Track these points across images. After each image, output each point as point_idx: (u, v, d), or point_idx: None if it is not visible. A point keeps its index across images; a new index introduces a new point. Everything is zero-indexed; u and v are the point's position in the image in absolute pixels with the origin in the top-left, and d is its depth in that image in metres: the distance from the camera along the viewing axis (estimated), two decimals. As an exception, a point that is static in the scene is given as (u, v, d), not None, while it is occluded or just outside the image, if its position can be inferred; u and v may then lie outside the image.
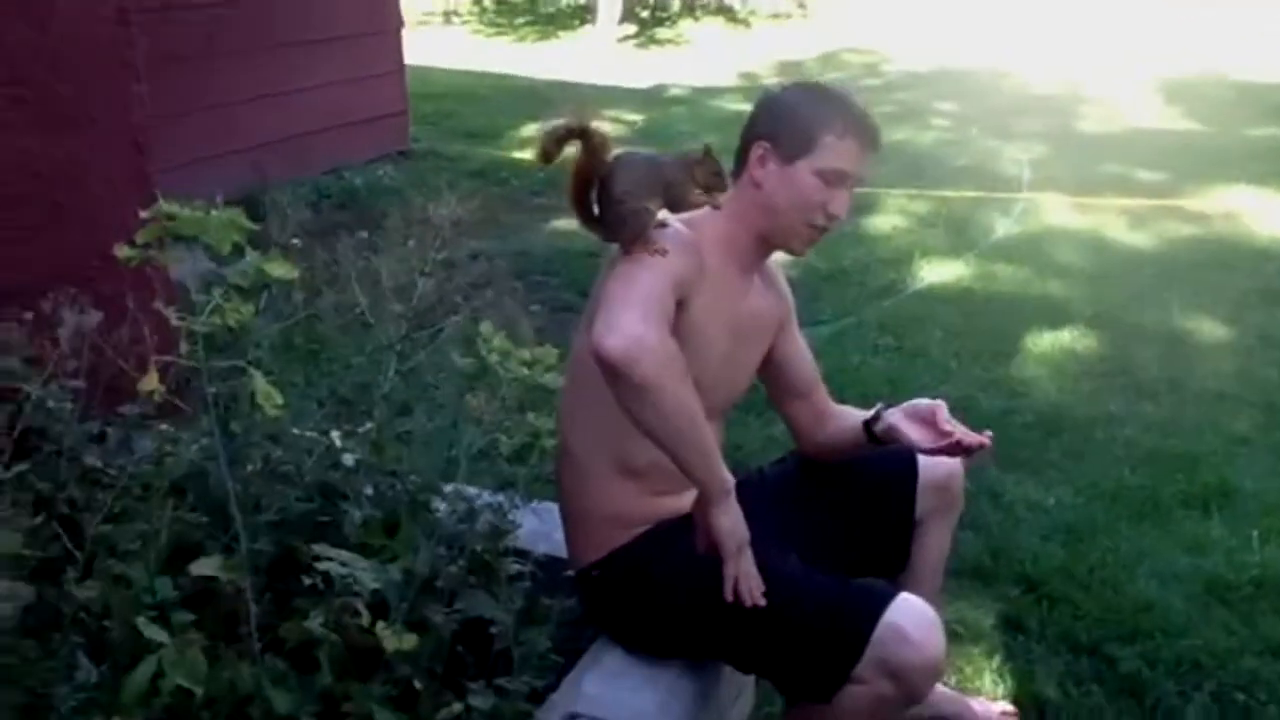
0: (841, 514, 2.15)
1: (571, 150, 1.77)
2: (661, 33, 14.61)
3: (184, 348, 1.44)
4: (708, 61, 12.34)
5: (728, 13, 15.32)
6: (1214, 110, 8.89)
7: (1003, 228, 5.84)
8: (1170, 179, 6.82)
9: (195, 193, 1.57)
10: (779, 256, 2.05)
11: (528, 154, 1.87)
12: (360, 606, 1.62)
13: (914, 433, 2.01)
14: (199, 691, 1.49)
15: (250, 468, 2.08)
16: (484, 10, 16.27)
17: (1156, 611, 2.65)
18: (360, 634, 1.67)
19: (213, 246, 1.49)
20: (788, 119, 1.89)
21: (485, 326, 1.72)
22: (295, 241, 2.36)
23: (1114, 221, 6.04)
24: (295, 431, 2.15)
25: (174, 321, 1.43)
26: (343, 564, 1.62)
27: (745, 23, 15.00)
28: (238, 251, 1.60)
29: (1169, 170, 7.01)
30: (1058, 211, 6.17)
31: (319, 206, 6.05)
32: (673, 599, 1.89)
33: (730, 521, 1.72)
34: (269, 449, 2.13)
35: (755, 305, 1.99)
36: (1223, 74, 10.33)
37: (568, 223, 5.54)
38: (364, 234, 2.47)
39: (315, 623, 1.65)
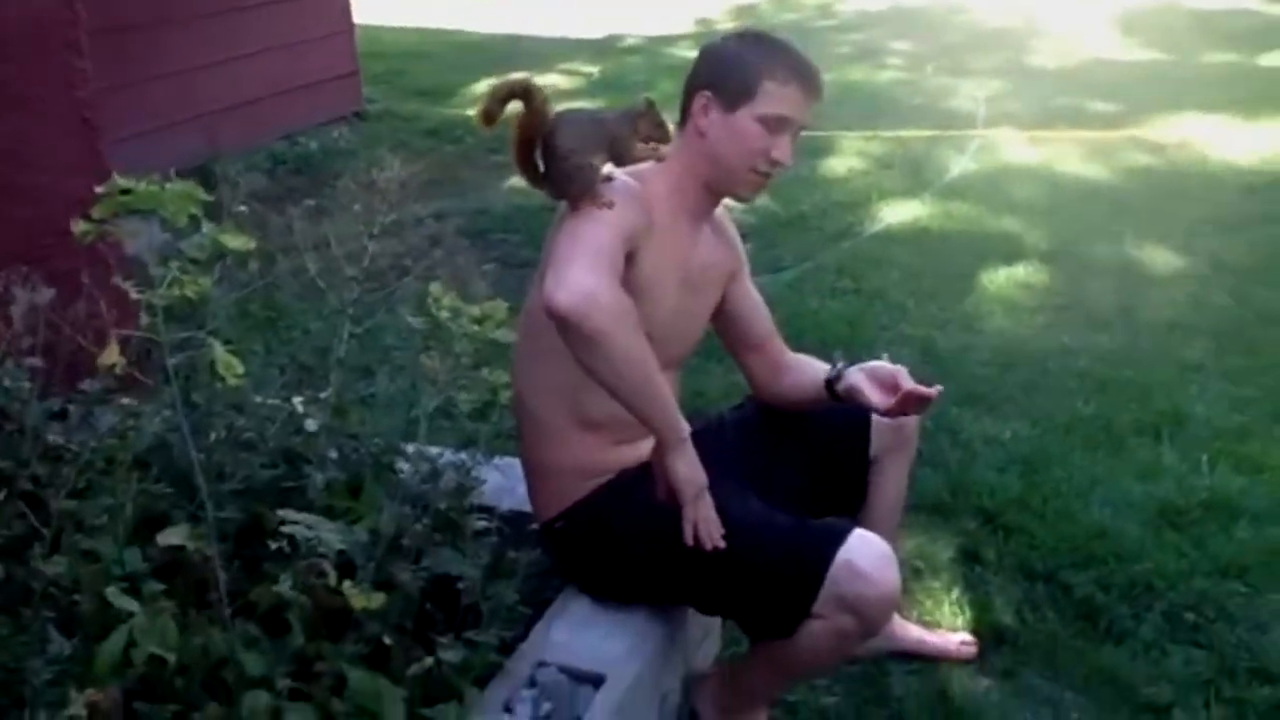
0: (799, 455, 2.20)
1: (515, 110, 1.79)
2: (615, -19, 14.41)
3: (144, 321, 1.45)
4: (661, 8, 12.23)
5: (681, -42, 15.13)
6: (1170, 38, 8.92)
7: (959, 166, 5.87)
8: (1125, 109, 6.86)
9: (148, 164, 1.57)
10: (732, 204, 2.08)
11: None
12: (327, 567, 1.65)
13: (875, 395, 2.04)
14: (171, 659, 1.52)
15: (214, 436, 2.10)
16: (433, -36, 15.97)
17: (1109, 538, 2.72)
18: (329, 594, 1.70)
19: (168, 219, 1.50)
20: (729, 68, 1.91)
21: (434, 286, 1.74)
22: (242, 209, 2.36)
23: (1069, 155, 6.08)
24: (257, 400, 2.17)
25: (133, 295, 1.44)
26: (308, 527, 1.65)
27: (699, -32, 14.83)
28: (194, 223, 1.61)
29: (1124, 101, 7.05)
30: (1013, 147, 6.21)
31: (275, 173, 6.00)
32: (635, 547, 1.93)
33: (687, 468, 1.76)
34: (232, 418, 2.15)
35: (705, 255, 2.02)
36: (1175, 1, 10.36)
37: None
38: (312, 201, 2.48)
39: (284, 586, 1.68)
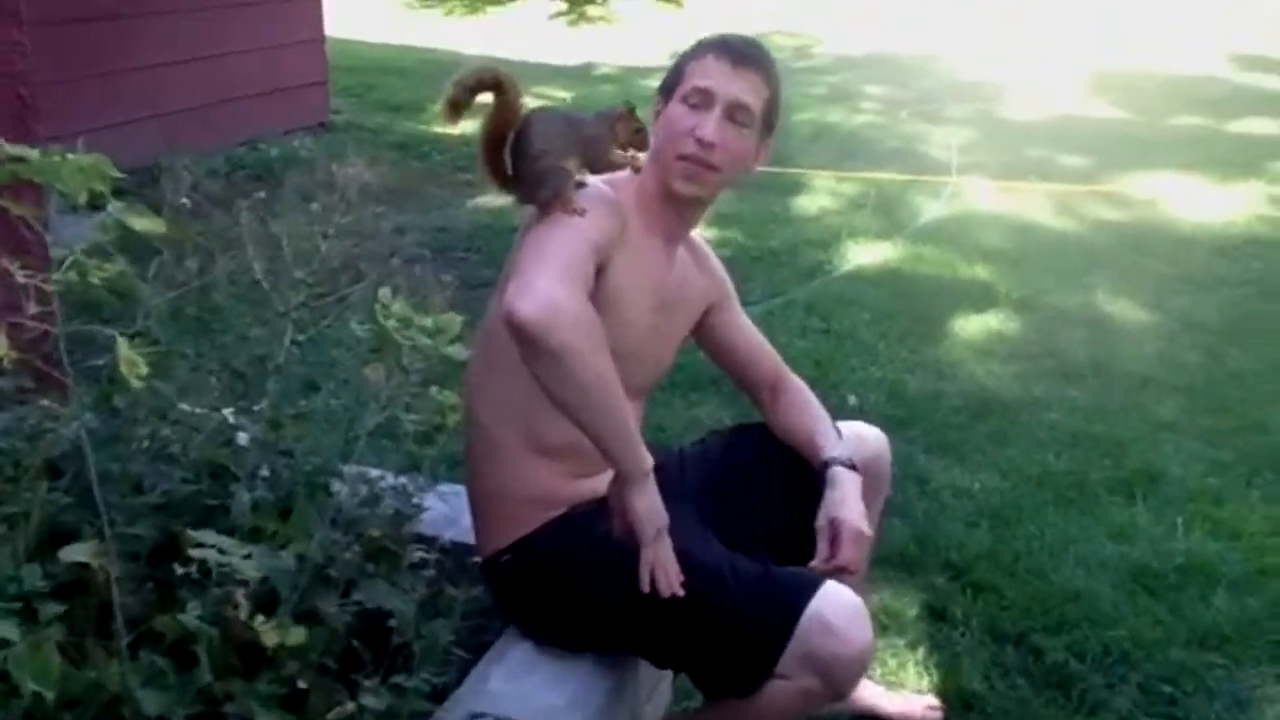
0: (764, 496, 2.05)
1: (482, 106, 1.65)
2: (592, 10, 14.40)
3: (33, 309, 1.29)
4: (639, 40, 12.19)
5: (660, -9, 15.17)
6: (1139, 100, 8.97)
7: (931, 211, 5.80)
8: (1095, 165, 6.85)
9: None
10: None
11: (452, 128, 1.71)
12: (241, 598, 1.48)
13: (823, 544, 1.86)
14: (49, 695, 1.34)
15: (135, 445, 1.93)
16: (411, -17, 15.91)
17: (1083, 600, 2.59)
18: (244, 627, 1.53)
19: (66, 195, 1.34)
20: (670, 68, 1.84)
21: (383, 292, 1.58)
22: (185, 202, 2.20)
23: (1040, 206, 6.03)
24: (184, 407, 2.01)
25: (19, 279, 1.27)
26: (222, 551, 1.48)
27: (677, 2, 14.85)
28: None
29: (1094, 157, 7.04)
30: (985, 195, 6.15)
31: (231, 177, 5.82)
32: (586, 588, 1.77)
33: (648, 505, 1.61)
34: (156, 426, 1.99)
35: (681, 277, 1.88)
36: (1146, 65, 10.45)
37: (490, 199, 5.41)
38: (262, 194, 2.31)
39: (192, 615, 1.51)
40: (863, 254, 5.09)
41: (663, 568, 1.63)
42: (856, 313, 4.36)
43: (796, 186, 5.99)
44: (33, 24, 2.53)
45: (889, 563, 2.69)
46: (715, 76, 1.75)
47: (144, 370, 1.34)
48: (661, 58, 10.71)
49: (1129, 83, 9.66)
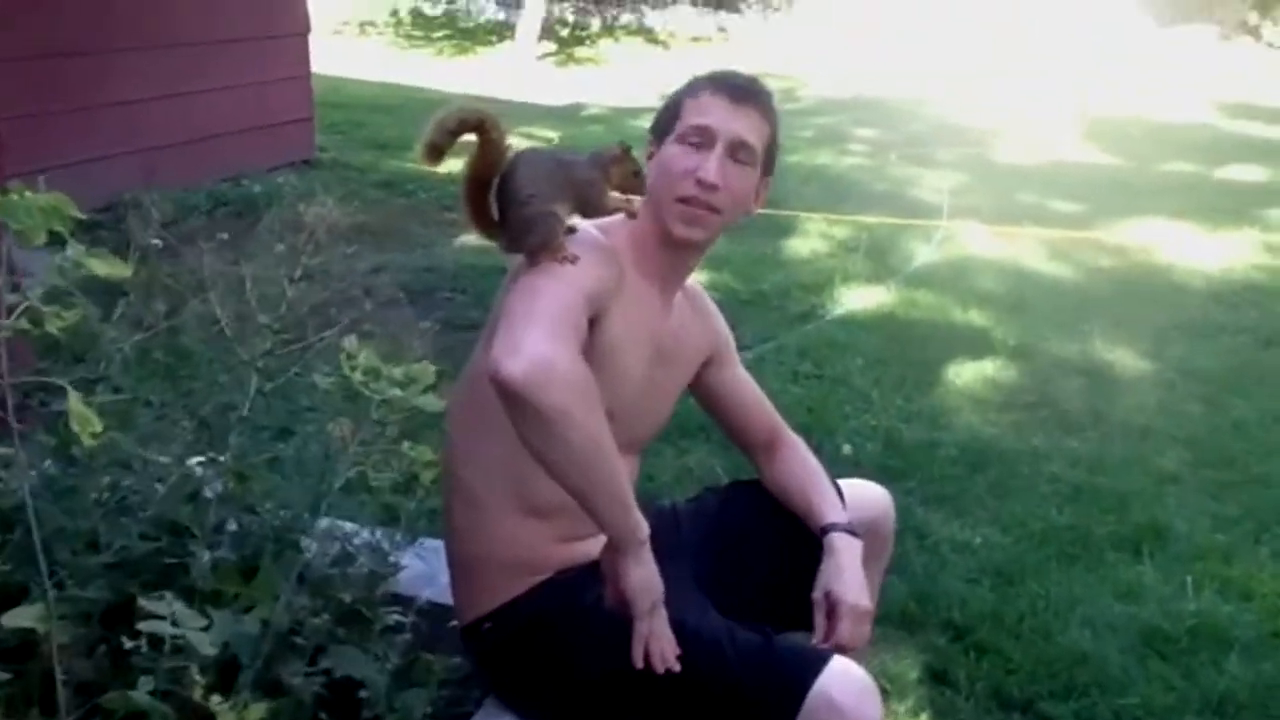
0: (762, 558, 1.93)
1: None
2: (581, 52, 14.45)
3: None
4: (627, 81, 12.20)
5: (647, 33, 15.24)
6: (1129, 146, 8.97)
7: (923, 255, 5.73)
8: (1088, 211, 6.81)
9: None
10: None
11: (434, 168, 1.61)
12: (195, 674, 1.36)
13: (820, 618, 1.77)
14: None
15: (94, 496, 1.82)
16: (400, 23, 15.93)
17: (1092, 664, 2.48)
18: (199, 706, 1.40)
19: (23, 237, 1.23)
20: (662, 107, 1.74)
21: (348, 341, 1.46)
22: (156, 242, 2.09)
23: (1033, 251, 5.97)
24: (147, 456, 1.89)
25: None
26: (175, 624, 1.35)
27: (664, 44, 14.92)
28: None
29: (1086, 203, 7.01)
30: (978, 240, 6.09)
31: (213, 214, 5.71)
32: (573, 659, 1.65)
33: (643, 575, 1.49)
34: (118, 475, 1.87)
35: (677, 326, 1.77)
36: (1133, 111, 10.48)
37: (478, 238, 5.29)
38: (225, 235, 2.20)
39: (143, 691, 1.39)
40: (855, 298, 5.00)
41: (658, 641, 1.51)
42: (850, 358, 4.26)
43: (787, 229, 5.91)
44: (8, 60, 2.44)
45: (888, 621, 2.57)
46: (715, 114, 1.65)
47: (97, 427, 1.23)
48: (650, 98, 10.69)
49: (1117, 128, 9.67)
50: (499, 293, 1.66)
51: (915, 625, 2.64)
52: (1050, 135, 9.29)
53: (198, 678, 1.36)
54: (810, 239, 5.93)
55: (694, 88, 1.70)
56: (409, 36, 15.25)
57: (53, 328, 1.30)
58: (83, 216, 1.23)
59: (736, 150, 1.65)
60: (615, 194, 1.57)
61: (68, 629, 1.57)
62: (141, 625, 1.35)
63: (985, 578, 2.83)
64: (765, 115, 1.69)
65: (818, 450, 2.02)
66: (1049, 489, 3.35)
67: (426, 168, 1.54)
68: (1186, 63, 12.94)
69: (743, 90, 1.68)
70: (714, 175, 1.63)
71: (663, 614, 1.52)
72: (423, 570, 2.01)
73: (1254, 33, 14.54)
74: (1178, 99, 11.10)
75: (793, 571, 1.91)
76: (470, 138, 1.54)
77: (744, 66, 1.85)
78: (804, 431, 2.04)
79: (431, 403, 1.48)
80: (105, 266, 1.24)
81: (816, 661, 1.56)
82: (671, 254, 1.71)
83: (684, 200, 1.64)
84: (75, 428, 1.21)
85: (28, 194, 1.24)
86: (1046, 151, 8.72)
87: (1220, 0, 14.81)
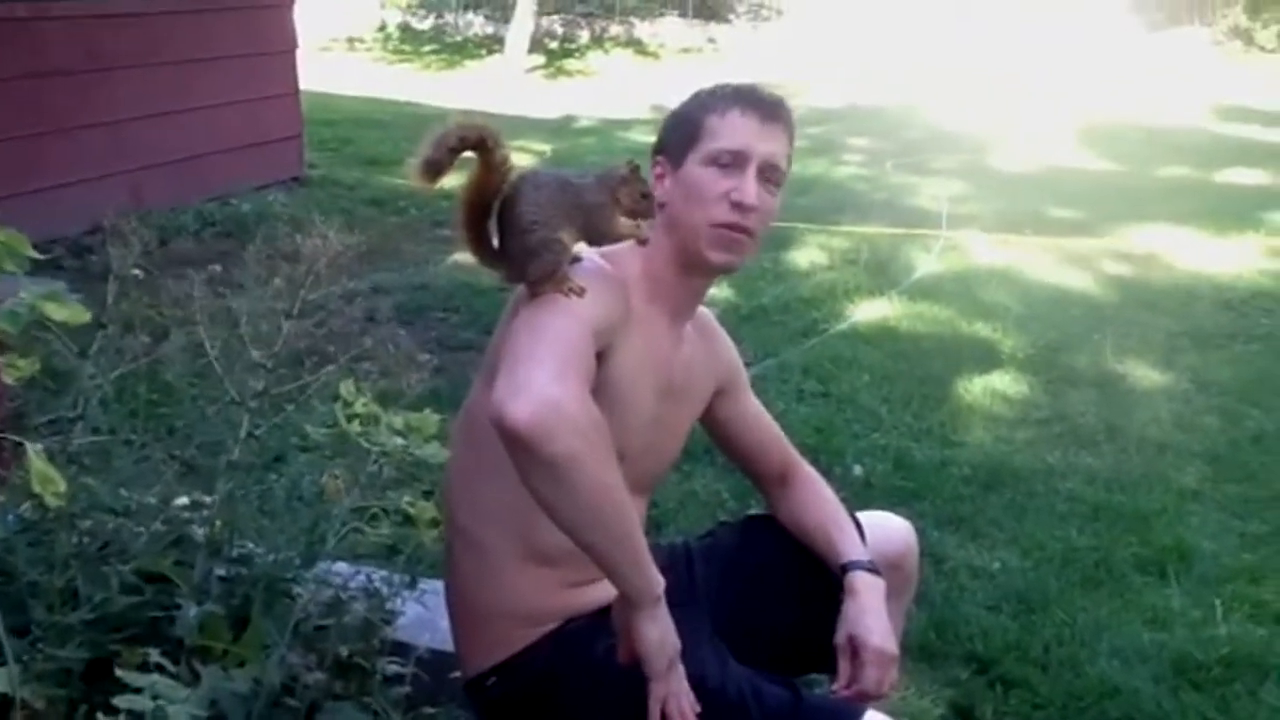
0: (782, 599, 1.83)
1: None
2: (570, 64, 14.38)
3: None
4: (617, 93, 12.12)
5: (637, 45, 15.16)
6: (1125, 151, 8.89)
7: (924, 265, 5.63)
8: (1088, 217, 6.71)
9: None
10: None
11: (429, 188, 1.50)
12: (179, 746, 1.25)
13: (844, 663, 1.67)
14: None
15: (75, 543, 1.71)
16: (388, 38, 15.85)
17: (1123, 697, 2.37)
18: (185, 778, 1.29)
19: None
20: (674, 123, 1.63)
21: (346, 386, 1.35)
22: (135, 272, 1.98)
23: (1037, 260, 5.87)
24: (129, 499, 1.79)
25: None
26: (156, 696, 1.24)
27: (655, 55, 14.85)
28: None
29: (1086, 209, 6.91)
30: (979, 249, 5.99)
31: (201, 234, 5.62)
32: (586, 718, 1.54)
33: (660, 632, 1.38)
34: (100, 521, 1.76)
35: (689, 358, 1.66)
36: (1128, 116, 10.42)
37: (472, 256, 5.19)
38: (218, 267, 2.09)
39: (124, 765, 1.28)
40: (858, 311, 4.90)
41: (676, 700, 1.41)
42: (855, 374, 4.16)
43: (785, 241, 5.80)
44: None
45: (908, 653, 2.45)
46: (746, 136, 1.56)
47: (60, 487, 1.13)
48: (642, 110, 10.62)
49: (1112, 133, 9.61)
50: (498, 326, 1.55)
51: (936, 657, 2.52)
52: (1045, 141, 9.22)
53: (180, 754, 1.24)
54: (809, 251, 5.83)
55: (717, 103, 1.60)
56: (397, 51, 15.18)
57: (9, 378, 1.19)
58: (40, 257, 1.13)
59: (769, 173, 1.57)
60: (624, 219, 1.46)
61: (43, 691, 1.47)
62: (118, 700, 1.24)
63: (1006, 605, 2.72)
64: (789, 133, 1.62)
65: (828, 473, 1.93)
66: (1067, 508, 3.24)
67: (419, 185, 1.43)
68: (1179, 67, 12.89)
69: (770, 109, 1.59)
70: (754, 198, 1.54)
71: (680, 673, 1.41)
72: (422, 615, 1.91)
73: (1245, 36, 14.49)
74: (1172, 103, 11.03)
75: (814, 612, 1.80)
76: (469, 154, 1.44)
77: (735, 78, 1.74)
78: (812, 452, 1.95)
79: (436, 453, 1.37)
80: (62, 311, 1.14)
81: (849, 716, 1.45)
82: (693, 282, 1.62)
83: (720, 225, 1.55)
84: (38, 488, 1.10)
85: (-14, 232, 1.14)
86: (1042, 158, 8.64)
87: (1211, 4, 14.77)
